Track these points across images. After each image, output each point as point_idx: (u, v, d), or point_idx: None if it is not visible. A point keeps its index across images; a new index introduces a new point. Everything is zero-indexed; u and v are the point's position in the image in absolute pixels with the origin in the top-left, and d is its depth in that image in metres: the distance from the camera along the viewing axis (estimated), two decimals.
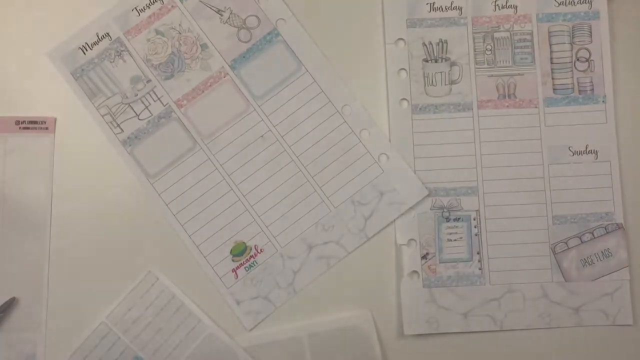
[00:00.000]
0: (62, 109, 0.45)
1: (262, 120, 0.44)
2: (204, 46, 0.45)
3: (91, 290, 0.43)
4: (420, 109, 0.45)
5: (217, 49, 0.45)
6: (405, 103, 0.45)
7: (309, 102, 0.45)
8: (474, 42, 0.45)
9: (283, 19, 0.45)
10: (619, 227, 0.44)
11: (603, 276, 0.44)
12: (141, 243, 0.44)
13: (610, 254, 0.44)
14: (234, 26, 0.45)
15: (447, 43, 0.45)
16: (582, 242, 0.44)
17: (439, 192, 0.44)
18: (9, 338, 0.43)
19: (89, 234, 0.44)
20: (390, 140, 0.45)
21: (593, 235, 0.44)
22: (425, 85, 0.45)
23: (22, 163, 0.44)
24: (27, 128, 0.44)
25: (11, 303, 0.43)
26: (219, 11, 0.45)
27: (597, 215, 0.44)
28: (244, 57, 0.45)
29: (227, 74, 0.45)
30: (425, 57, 0.45)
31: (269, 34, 0.45)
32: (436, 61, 0.45)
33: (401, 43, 0.45)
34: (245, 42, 0.45)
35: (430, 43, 0.45)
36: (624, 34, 0.46)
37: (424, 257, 0.44)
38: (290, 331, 0.43)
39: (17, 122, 0.44)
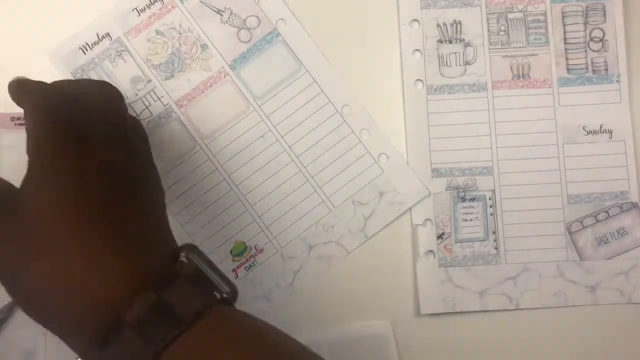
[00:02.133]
0: None
1: (262, 120, 0.45)
2: (204, 46, 0.45)
3: None
4: (435, 89, 0.45)
5: (217, 49, 0.45)
6: (420, 84, 0.45)
7: (309, 102, 0.45)
8: (488, 23, 0.46)
9: (283, 19, 0.45)
10: (634, 205, 0.44)
11: (618, 255, 0.44)
12: None
13: (625, 233, 0.44)
14: (234, 26, 0.45)
15: (461, 24, 0.46)
16: (597, 221, 0.44)
17: (454, 172, 0.45)
18: (8, 335, 0.43)
19: None
20: (405, 122, 0.45)
21: (608, 214, 0.44)
22: (439, 66, 0.45)
23: (18, 159, 0.43)
24: (23, 124, 0.44)
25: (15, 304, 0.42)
26: (219, 11, 0.45)
27: (612, 194, 0.44)
28: (244, 57, 0.45)
29: (227, 74, 0.45)
30: (439, 38, 0.45)
31: (269, 34, 0.45)
32: (450, 42, 0.45)
33: (415, 24, 0.46)
34: (246, 42, 0.45)
35: (445, 24, 0.45)
36: (638, 13, 0.46)
37: (439, 236, 0.44)
38: (307, 339, 0.43)
39: (13, 119, 0.44)
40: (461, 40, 0.45)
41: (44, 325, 0.29)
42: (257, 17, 0.45)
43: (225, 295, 0.30)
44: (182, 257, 0.30)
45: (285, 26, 0.45)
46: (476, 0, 0.46)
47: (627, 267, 0.44)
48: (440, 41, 0.45)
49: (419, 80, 0.45)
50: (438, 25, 0.45)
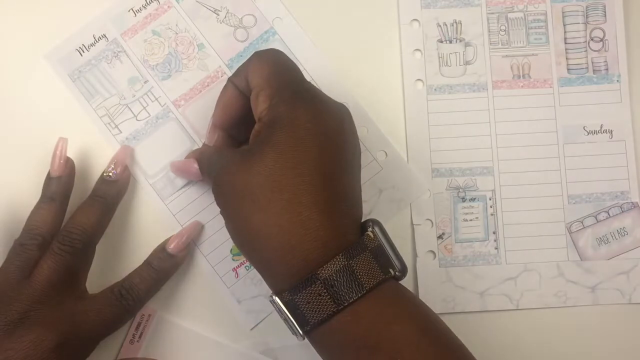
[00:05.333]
0: (60, 111, 0.44)
1: None
2: (200, 46, 0.45)
3: (90, 289, 0.42)
4: (435, 89, 0.45)
5: (214, 48, 0.45)
6: (420, 84, 0.45)
7: None
8: (488, 23, 0.46)
9: (279, 18, 0.45)
10: (635, 205, 0.44)
11: (619, 255, 0.44)
12: (140, 243, 0.43)
13: (626, 233, 0.44)
14: (231, 25, 0.45)
15: (461, 24, 0.45)
16: (597, 221, 0.44)
17: (454, 172, 0.44)
18: None
19: None
20: (405, 122, 0.45)
21: (608, 214, 0.44)
22: (440, 65, 0.45)
23: None
24: None
25: None
26: (215, 11, 0.45)
27: (613, 194, 0.44)
28: (241, 56, 0.45)
29: (225, 73, 0.45)
30: (439, 37, 0.45)
31: (265, 32, 0.45)
32: (451, 42, 0.45)
33: (415, 24, 0.46)
34: (242, 41, 0.45)
35: (445, 24, 0.45)
36: (638, 13, 0.46)
37: (440, 237, 0.44)
38: None
39: None
40: (461, 40, 0.45)
41: (251, 263, 0.36)
42: (253, 15, 0.45)
43: (397, 273, 0.34)
44: (369, 231, 0.34)
45: (281, 25, 0.45)
46: (476, 0, 0.46)
47: (627, 267, 0.44)
48: (441, 41, 0.45)
49: (419, 80, 0.45)
50: (438, 25, 0.45)
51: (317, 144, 0.34)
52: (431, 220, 0.44)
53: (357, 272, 0.32)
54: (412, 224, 0.44)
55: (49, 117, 0.44)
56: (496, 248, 0.44)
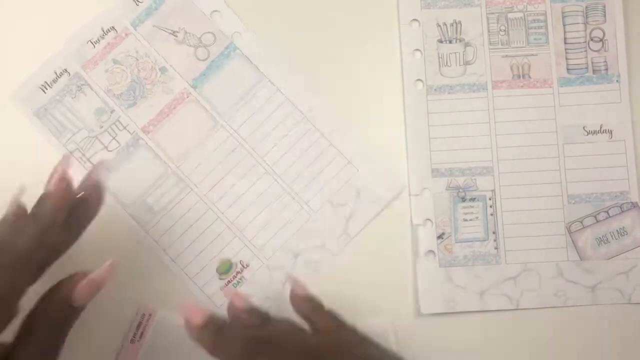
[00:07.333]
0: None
1: (231, 135, 0.44)
2: (162, 69, 0.45)
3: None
4: (435, 89, 0.45)
5: (177, 70, 0.45)
6: (420, 84, 0.45)
7: (274, 111, 0.44)
8: (488, 23, 0.46)
9: (238, 32, 0.45)
10: (634, 205, 0.44)
11: (618, 255, 0.44)
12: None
13: (625, 233, 0.44)
14: (190, 45, 0.45)
15: (461, 24, 0.46)
16: (597, 221, 0.44)
17: (454, 172, 0.45)
18: None
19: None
20: (405, 121, 0.45)
21: (608, 214, 0.44)
22: (439, 66, 0.45)
23: None
24: None
25: None
26: (173, 32, 0.45)
27: (612, 194, 0.44)
28: (204, 75, 0.45)
29: (190, 93, 0.44)
30: (439, 37, 0.45)
31: (226, 48, 0.45)
32: (450, 42, 0.45)
33: (415, 24, 0.46)
34: (204, 60, 0.45)
35: (445, 24, 0.45)
36: (638, 13, 0.46)
37: (440, 237, 0.44)
38: None
39: None
40: (461, 40, 0.45)
41: None
42: (212, 33, 0.45)
43: None
44: None
45: (241, 39, 0.45)
46: (476, 0, 0.46)
47: (627, 267, 0.44)
48: (440, 41, 0.45)
49: (419, 80, 0.45)
50: (438, 25, 0.45)
51: None
52: (431, 220, 0.44)
53: None
54: (412, 223, 0.44)
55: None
56: (496, 248, 0.44)
